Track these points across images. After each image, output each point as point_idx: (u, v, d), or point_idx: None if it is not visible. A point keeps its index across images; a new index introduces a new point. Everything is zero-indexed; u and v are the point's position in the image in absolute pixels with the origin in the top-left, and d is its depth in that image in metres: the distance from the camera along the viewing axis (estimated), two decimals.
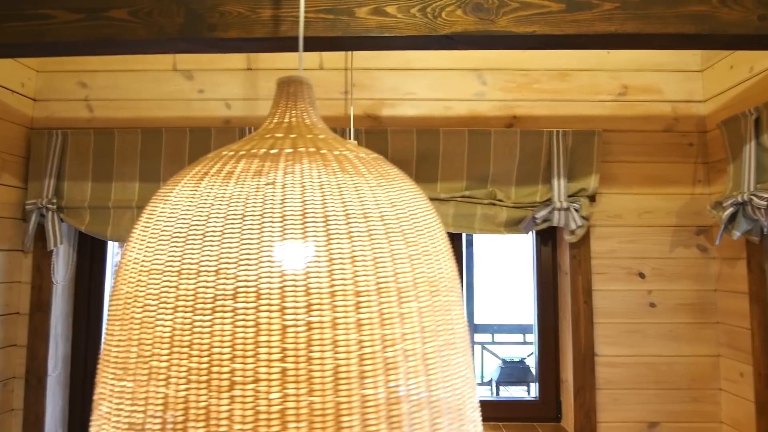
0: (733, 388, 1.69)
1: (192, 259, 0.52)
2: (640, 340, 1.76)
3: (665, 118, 1.83)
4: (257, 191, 0.54)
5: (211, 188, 0.56)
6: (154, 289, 0.52)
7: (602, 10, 1.12)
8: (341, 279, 0.51)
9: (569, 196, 1.71)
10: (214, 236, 0.52)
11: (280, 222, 0.52)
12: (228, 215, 0.53)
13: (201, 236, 0.53)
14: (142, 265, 0.55)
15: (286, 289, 0.50)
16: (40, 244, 1.86)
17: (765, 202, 1.41)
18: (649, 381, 1.75)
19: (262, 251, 0.51)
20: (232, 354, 0.48)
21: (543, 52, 1.86)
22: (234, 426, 0.46)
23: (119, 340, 0.54)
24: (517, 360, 3.96)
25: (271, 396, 0.47)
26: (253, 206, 0.54)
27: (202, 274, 0.51)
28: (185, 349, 0.49)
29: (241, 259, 0.51)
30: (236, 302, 0.49)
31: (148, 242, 0.56)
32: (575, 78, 1.85)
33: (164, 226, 0.55)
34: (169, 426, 0.46)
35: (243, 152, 0.60)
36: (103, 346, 0.57)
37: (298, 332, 0.49)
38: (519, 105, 1.85)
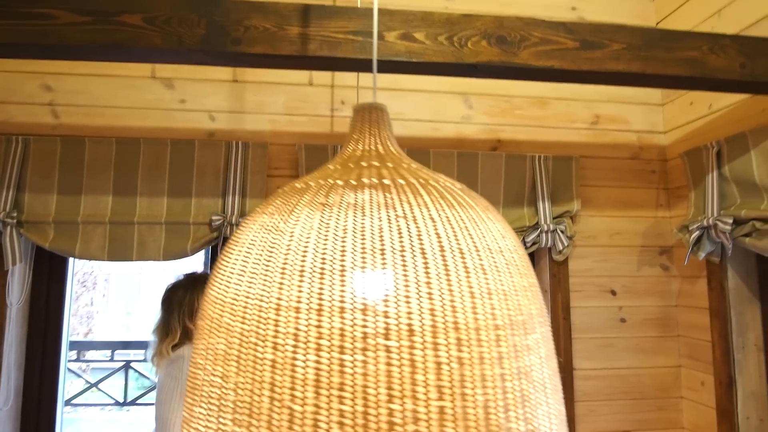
0: (694, 396, 1.84)
1: (333, 295, 0.50)
2: (612, 353, 1.88)
3: (631, 147, 1.99)
4: (390, 224, 0.54)
5: (338, 220, 0.55)
6: (289, 328, 0.50)
7: (612, 50, 1.21)
8: (483, 313, 0.52)
9: (554, 218, 1.80)
10: (354, 271, 0.51)
11: (422, 256, 0.52)
12: (366, 249, 0.52)
13: (339, 271, 0.51)
14: (262, 301, 0.53)
15: (437, 324, 0.50)
16: None
17: (729, 227, 1.57)
18: (620, 392, 1.87)
19: (408, 286, 0.51)
20: (388, 394, 0.47)
21: (522, 81, 1.96)
22: None
23: (239, 383, 0.51)
24: None
25: None
26: (391, 240, 0.53)
27: (347, 311, 0.50)
28: (335, 391, 0.47)
29: (388, 295, 0.50)
30: (388, 340, 0.49)
31: (266, 276, 0.54)
32: (553, 106, 1.97)
33: (289, 260, 0.53)
34: None
35: (353, 181, 0.60)
36: (206, 389, 0.54)
37: (451, 369, 0.49)
38: (503, 129, 1.94)
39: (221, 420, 0.51)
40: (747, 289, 1.69)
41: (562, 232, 1.78)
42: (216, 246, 1.74)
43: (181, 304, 1.46)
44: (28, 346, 1.78)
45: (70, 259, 1.86)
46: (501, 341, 0.51)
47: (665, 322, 1.92)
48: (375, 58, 0.64)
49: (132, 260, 1.70)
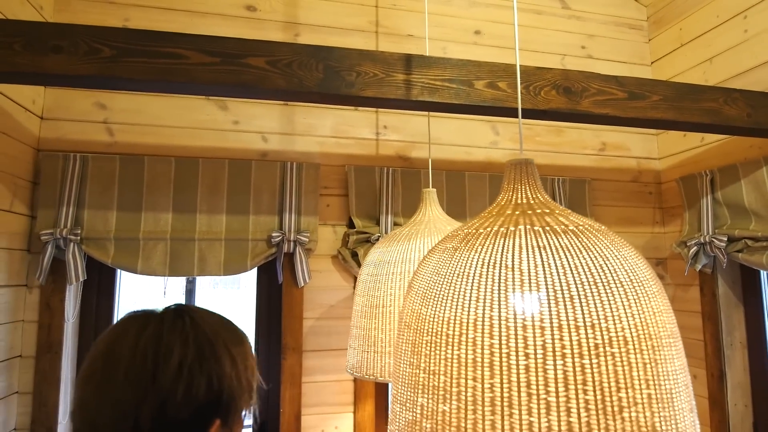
0: None
1: (568, 316, 0.68)
2: None
3: (632, 171, 2.27)
4: (593, 263, 0.72)
5: (555, 259, 0.72)
6: (537, 341, 0.67)
7: (652, 100, 1.45)
8: (661, 325, 0.72)
9: None
10: (581, 298, 0.69)
11: (620, 286, 0.71)
12: (584, 282, 0.70)
13: (569, 298, 0.69)
14: (509, 321, 0.69)
15: (640, 335, 0.69)
16: (50, 278, 1.69)
17: (723, 243, 1.86)
18: None
19: (619, 309, 0.70)
20: (617, 386, 0.65)
21: None
22: None
23: (494, 384, 0.67)
24: None
25: (646, 413, 0.65)
26: (600, 274, 0.71)
27: (581, 328, 0.68)
28: (580, 386, 0.65)
29: (607, 316, 0.68)
30: (612, 348, 0.67)
31: (505, 302, 0.71)
32: (567, 134, 2.21)
33: (525, 289, 0.71)
34: None
35: (538, 227, 0.78)
36: (466, 392, 0.70)
37: (652, 367, 0.68)
38: (525, 154, 2.16)
39: (478, 413, 0.67)
40: (733, 295, 2.00)
41: None
42: (274, 260, 1.84)
43: None
44: (79, 360, 1.80)
45: (118, 275, 1.90)
46: (672, 346, 0.71)
47: None
48: (519, 107, 0.81)
49: (193, 275, 1.77)
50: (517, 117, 1.40)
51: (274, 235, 1.79)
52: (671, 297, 2.23)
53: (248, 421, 1.25)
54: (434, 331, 0.74)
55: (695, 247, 1.95)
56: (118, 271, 1.89)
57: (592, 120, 1.43)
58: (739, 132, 1.57)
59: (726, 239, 1.86)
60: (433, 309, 0.76)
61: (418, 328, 0.76)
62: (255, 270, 1.95)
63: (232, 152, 1.88)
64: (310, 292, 1.88)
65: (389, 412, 0.82)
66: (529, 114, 1.37)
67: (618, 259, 0.74)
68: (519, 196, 0.88)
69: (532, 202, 0.86)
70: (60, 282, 1.71)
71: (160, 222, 1.76)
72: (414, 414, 0.75)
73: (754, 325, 1.97)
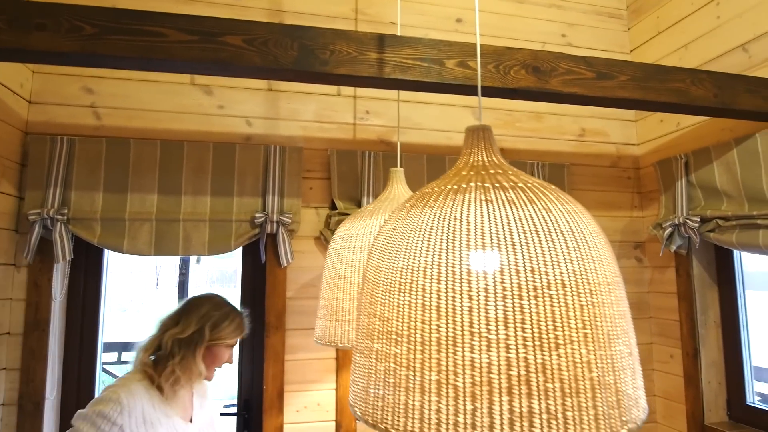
0: (664, 368, 2.19)
1: (509, 261, 0.73)
2: None
3: (611, 156, 2.32)
4: (537, 214, 0.77)
5: (500, 210, 0.77)
6: (480, 284, 0.72)
7: (619, 80, 1.50)
8: (602, 273, 0.76)
9: None
10: (522, 245, 0.74)
11: (562, 236, 0.76)
12: (527, 231, 0.75)
13: (512, 245, 0.74)
14: (455, 267, 0.74)
15: (578, 280, 0.73)
16: (37, 258, 1.74)
17: (696, 224, 1.91)
18: None
19: (558, 256, 0.74)
20: (554, 325, 0.70)
21: None
22: (562, 373, 0.68)
23: (440, 326, 0.72)
24: None
25: (582, 351, 0.70)
26: (542, 224, 0.76)
27: (520, 272, 0.72)
28: (519, 324, 0.69)
29: (546, 261, 0.73)
30: (549, 290, 0.71)
31: (455, 250, 0.75)
32: (547, 120, 2.26)
33: (471, 239, 0.75)
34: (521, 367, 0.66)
35: (488, 184, 0.82)
36: (408, 332, 0.74)
37: (589, 309, 0.73)
38: (505, 139, 2.21)
39: (425, 353, 0.72)
40: (708, 276, 2.05)
41: None
42: (257, 241, 1.88)
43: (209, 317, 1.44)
44: (66, 338, 1.84)
45: (105, 257, 1.94)
46: (611, 292, 0.76)
47: (639, 305, 2.26)
48: (479, 84, 0.86)
49: (178, 255, 1.81)
50: (489, 96, 1.44)
51: (257, 216, 1.84)
52: (649, 279, 2.28)
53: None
54: (388, 280, 0.79)
55: (670, 229, 2.00)
56: (106, 253, 1.93)
57: (561, 99, 1.47)
58: (705, 112, 1.62)
59: (699, 220, 1.91)
60: (388, 261, 0.80)
61: (376, 279, 0.81)
62: (241, 257, 1.99)
63: (216, 136, 1.93)
64: (294, 272, 1.92)
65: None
66: (498, 93, 1.42)
67: (561, 212, 0.79)
68: (475, 159, 0.92)
69: (486, 163, 0.90)
70: (47, 261, 1.75)
71: (146, 203, 1.81)
72: (370, 359, 0.79)
73: (728, 304, 2.02)
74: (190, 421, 1.45)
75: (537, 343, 0.68)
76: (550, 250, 0.73)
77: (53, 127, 1.81)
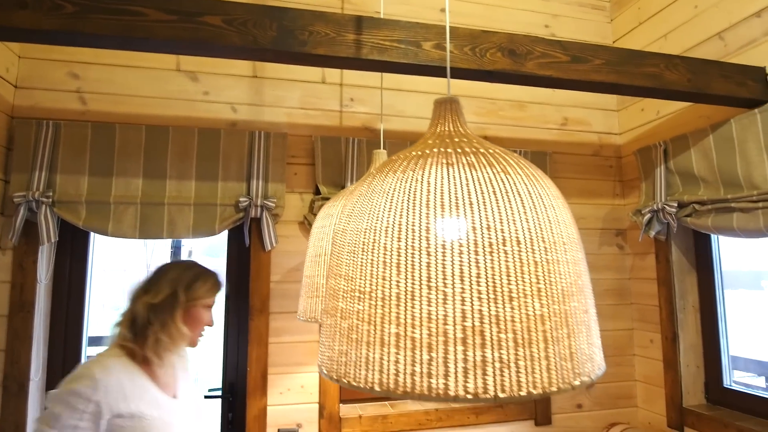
0: (644, 353, 2.22)
1: (466, 220, 0.75)
2: None
3: (593, 145, 2.35)
4: (495, 177, 0.80)
5: (460, 172, 0.80)
6: (438, 241, 0.75)
7: (594, 64, 1.53)
8: (557, 233, 0.79)
9: None
10: (479, 204, 0.77)
11: (519, 197, 0.79)
12: (484, 191, 0.78)
13: (469, 204, 0.77)
14: (414, 226, 0.76)
15: (533, 238, 0.76)
16: (22, 240, 1.75)
17: (674, 209, 1.95)
18: None
19: (514, 214, 0.77)
20: (508, 279, 0.73)
21: (505, 86, 2.27)
22: (515, 325, 0.71)
23: (399, 282, 0.75)
24: None
25: (535, 304, 0.73)
26: (499, 185, 0.79)
27: (477, 229, 0.75)
28: (474, 278, 0.72)
29: (503, 219, 0.76)
30: (505, 246, 0.74)
31: (415, 210, 0.78)
32: (530, 109, 2.29)
33: (431, 198, 0.78)
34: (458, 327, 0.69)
35: (450, 150, 0.85)
36: (377, 290, 0.77)
37: (543, 265, 0.75)
38: (488, 127, 2.24)
39: (386, 308, 0.74)
40: (686, 261, 2.09)
41: None
42: (240, 225, 1.90)
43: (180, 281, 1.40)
44: (51, 320, 1.86)
45: (91, 240, 1.96)
46: (567, 252, 0.79)
47: (621, 292, 2.29)
48: (448, 65, 0.89)
49: (163, 238, 1.83)
50: (465, 78, 1.47)
51: (241, 200, 1.86)
52: (630, 266, 2.31)
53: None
54: (353, 242, 0.82)
55: (649, 215, 2.03)
56: (91, 236, 1.95)
57: (537, 82, 1.50)
58: (679, 96, 1.65)
59: (676, 205, 1.94)
60: (354, 223, 0.83)
61: (342, 242, 0.84)
62: (226, 235, 2.02)
63: (202, 122, 1.95)
64: (278, 256, 1.95)
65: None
66: (475, 75, 1.45)
67: (520, 175, 0.82)
68: (442, 129, 0.95)
69: (452, 133, 0.93)
70: (33, 244, 1.77)
71: (131, 187, 1.83)
72: (335, 318, 0.82)
73: (706, 289, 2.06)
74: (174, 397, 1.41)
75: (492, 296, 0.71)
76: (506, 210, 0.76)
77: (39, 112, 1.83)
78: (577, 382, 0.75)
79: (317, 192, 1.99)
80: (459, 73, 1.44)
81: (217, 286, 1.45)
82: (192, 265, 1.44)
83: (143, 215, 1.82)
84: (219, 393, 1.97)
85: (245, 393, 1.88)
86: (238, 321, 1.95)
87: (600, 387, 2.22)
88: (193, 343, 1.43)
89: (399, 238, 0.76)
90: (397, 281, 0.75)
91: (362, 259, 0.80)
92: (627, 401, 2.24)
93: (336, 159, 2.00)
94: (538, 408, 2.11)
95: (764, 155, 1.65)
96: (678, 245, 2.09)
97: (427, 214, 0.76)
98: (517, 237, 0.74)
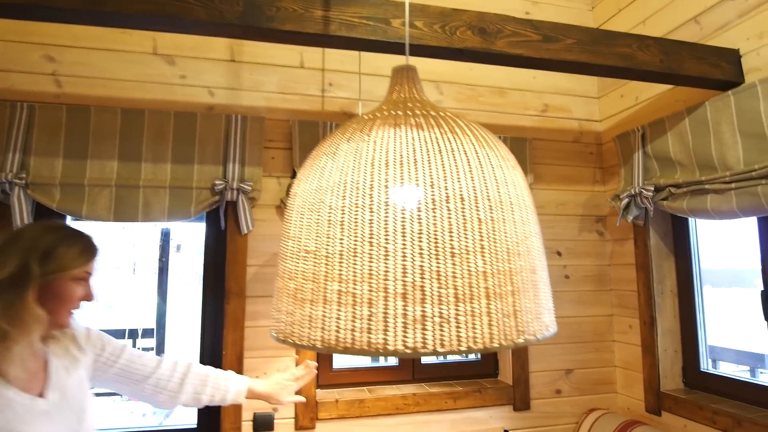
0: (623, 338, 2.22)
1: (410, 177, 0.75)
2: (558, 304, 2.23)
3: (574, 132, 2.35)
4: (442, 136, 0.80)
5: (406, 132, 0.80)
6: (381, 198, 0.74)
7: (566, 43, 1.53)
8: (504, 192, 0.79)
9: None
10: (423, 162, 0.77)
11: (465, 155, 0.79)
12: (430, 150, 0.78)
13: (413, 162, 0.76)
14: (359, 183, 0.76)
15: (478, 196, 0.76)
16: None
17: (651, 193, 1.95)
18: (565, 337, 2.22)
19: (459, 172, 0.77)
20: (450, 235, 0.72)
21: (485, 72, 2.27)
22: (457, 281, 0.71)
23: (343, 240, 0.74)
24: None
25: (478, 261, 0.73)
26: (446, 144, 0.79)
27: (420, 186, 0.75)
28: (416, 235, 0.72)
29: (446, 177, 0.76)
30: (448, 203, 0.74)
31: (358, 168, 0.78)
32: (510, 95, 2.29)
33: (376, 157, 0.78)
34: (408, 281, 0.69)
35: (401, 112, 0.85)
36: (321, 248, 0.77)
37: (487, 223, 0.75)
38: (468, 113, 2.24)
39: (329, 265, 0.74)
40: (664, 246, 2.09)
41: None
42: (217, 209, 1.90)
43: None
44: None
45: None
46: (514, 212, 0.79)
47: (601, 278, 2.29)
48: (407, 30, 0.89)
49: (138, 221, 1.83)
50: (435, 57, 1.47)
51: (217, 182, 1.85)
52: (610, 252, 2.31)
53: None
54: (302, 203, 0.81)
55: (626, 199, 2.03)
56: (67, 220, 1.94)
57: (507, 61, 1.50)
58: (652, 77, 1.65)
59: (653, 189, 1.94)
60: (303, 185, 0.83)
61: (292, 204, 0.83)
62: (205, 227, 2.01)
63: (178, 105, 1.94)
64: (255, 240, 1.94)
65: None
66: (444, 53, 1.45)
67: (469, 136, 0.81)
68: (398, 96, 0.95)
69: (407, 98, 0.93)
70: (6, 226, 1.76)
71: (106, 169, 1.82)
72: (284, 280, 0.81)
73: (684, 273, 2.06)
74: (41, 396, 1.08)
75: (433, 252, 0.70)
76: (451, 168, 0.76)
77: (14, 94, 1.82)
78: (520, 340, 0.75)
79: (294, 176, 1.98)
80: (428, 51, 1.44)
81: (88, 251, 1.15)
82: (54, 228, 1.15)
83: (118, 198, 1.81)
84: None
85: None
86: (215, 305, 1.95)
87: (580, 373, 2.22)
88: (60, 325, 1.13)
89: (344, 196, 0.76)
90: (341, 239, 0.74)
91: (309, 219, 0.80)
92: (606, 387, 2.24)
93: (314, 143, 2.00)
94: (517, 393, 2.11)
95: (737, 137, 1.66)
96: (656, 230, 2.09)
97: (372, 172, 0.76)
98: (461, 194, 0.74)
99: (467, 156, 0.79)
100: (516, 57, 1.49)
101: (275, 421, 1.87)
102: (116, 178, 1.82)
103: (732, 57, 1.71)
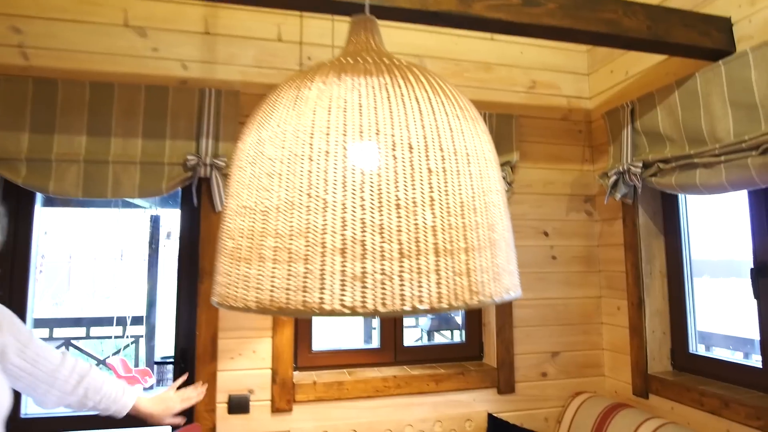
0: (611, 320, 2.17)
1: (354, 123, 0.69)
2: (545, 286, 2.17)
3: (562, 110, 2.29)
4: (391, 82, 0.74)
5: (353, 78, 0.74)
6: (321, 146, 0.68)
7: (548, 8, 1.46)
8: (458, 142, 0.73)
9: None
10: (370, 108, 0.70)
11: (417, 102, 0.73)
12: (377, 96, 0.72)
13: (359, 107, 0.70)
14: (306, 129, 0.70)
15: (428, 144, 0.70)
16: None
17: (639, 169, 1.88)
18: (552, 319, 2.16)
19: (408, 119, 0.71)
20: (396, 186, 0.66)
21: (470, 46, 2.20)
22: (401, 235, 0.65)
23: (281, 195, 0.69)
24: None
25: (426, 215, 0.67)
26: (395, 90, 0.73)
27: (364, 134, 0.69)
28: (358, 186, 0.66)
29: (394, 125, 0.70)
30: (395, 151, 0.68)
31: (302, 115, 0.71)
32: (496, 71, 2.22)
33: (315, 103, 0.72)
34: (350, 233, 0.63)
35: (351, 60, 0.79)
36: (258, 203, 0.71)
37: (440, 175, 0.69)
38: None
39: (266, 221, 0.68)
40: (654, 225, 2.03)
41: (503, 178, 2.04)
42: (190, 186, 1.84)
43: None
44: None
45: (37, 202, 1.89)
46: (471, 164, 0.73)
47: (589, 259, 2.24)
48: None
49: (107, 197, 1.77)
50: (408, 21, 1.40)
51: (189, 158, 1.79)
52: (599, 233, 2.25)
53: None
54: (242, 157, 0.75)
55: (614, 177, 1.97)
56: (37, 199, 1.89)
57: (485, 26, 1.43)
58: (638, 45, 1.58)
59: (641, 165, 1.88)
60: (245, 139, 0.77)
61: (235, 160, 0.77)
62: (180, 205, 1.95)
63: (150, 79, 1.88)
64: None
65: None
66: (418, 17, 1.38)
67: (422, 83, 0.75)
68: (354, 48, 0.88)
69: (362, 49, 0.87)
70: None
71: (74, 144, 1.76)
72: (223, 241, 0.75)
73: (674, 254, 2.00)
74: None
75: (376, 204, 0.64)
76: (399, 114, 0.69)
77: None
78: (474, 301, 0.69)
79: None
80: (401, 14, 1.37)
81: None
82: None
83: (87, 173, 1.75)
84: (171, 360, 1.92)
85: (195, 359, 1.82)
86: (189, 285, 1.89)
87: (566, 356, 2.16)
88: None
89: (282, 146, 0.70)
90: (278, 192, 0.69)
91: (247, 172, 0.74)
92: (594, 370, 2.19)
93: None
94: (501, 376, 2.06)
95: (728, 108, 1.59)
96: (645, 209, 2.03)
97: (312, 119, 0.70)
98: (409, 143, 0.68)
99: (419, 103, 0.73)
100: (495, 21, 1.42)
101: (251, 403, 1.82)
102: (85, 153, 1.76)
103: (723, 25, 1.64)
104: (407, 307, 0.64)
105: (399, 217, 0.66)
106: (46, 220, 6.20)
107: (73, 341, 4.53)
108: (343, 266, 0.64)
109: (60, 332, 4.69)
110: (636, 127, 1.96)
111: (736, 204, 1.81)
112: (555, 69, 2.30)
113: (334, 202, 0.66)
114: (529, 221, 2.18)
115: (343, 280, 0.64)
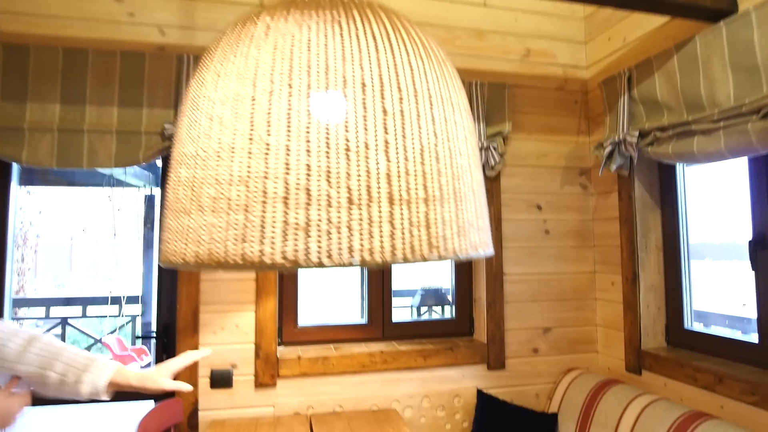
0: (605, 296, 2.11)
1: (300, 60, 0.63)
2: (537, 260, 2.11)
3: (558, 79, 2.20)
4: (345, 17, 0.67)
5: (302, 14, 0.67)
6: (264, 87, 0.62)
7: None
8: (419, 80, 0.67)
9: (488, 137, 1.99)
10: (317, 44, 0.64)
11: (382, 39, 0.66)
12: (327, 32, 0.65)
13: (306, 42, 0.64)
14: (240, 73, 0.64)
15: (384, 83, 0.63)
16: None
17: (635, 139, 1.81)
18: (544, 294, 2.11)
19: (362, 53, 0.64)
20: (345, 127, 0.60)
21: (462, 12, 2.11)
22: (351, 181, 0.59)
23: (222, 136, 0.63)
24: (435, 288, 4.58)
25: (380, 159, 0.60)
26: (348, 26, 0.66)
27: (311, 71, 0.62)
28: (303, 127, 0.60)
29: (348, 60, 0.63)
30: (345, 89, 0.62)
31: (241, 54, 0.65)
32: (489, 38, 2.14)
33: (261, 42, 0.65)
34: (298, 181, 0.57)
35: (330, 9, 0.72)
36: (199, 150, 0.65)
37: (396, 117, 0.63)
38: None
39: (206, 168, 0.62)
40: (650, 198, 1.96)
41: (494, 149, 1.97)
42: (168, 155, 1.78)
43: None
44: None
45: (13, 174, 1.84)
46: (434, 107, 0.66)
47: (583, 233, 2.17)
48: None
49: (83, 167, 1.71)
50: None
51: (167, 126, 1.73)
52: (594, 206, 2.19)
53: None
54: (188, 103, 0.69)
55: (610, 147, 1.89)
56: (12, 170, 1.83)
57: None
58: (635, 4, 1.50)
59: (638, 134, 1.80)
60: (195, 78, 0.70)
61: (184, 102, 0.71)
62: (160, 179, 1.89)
63: (126, 45, 1.81)
64: None
65: None
66: None
67: (383, 21, 0.68)
68: None
69: None
70: None
71: (47, 112, 1.70)
72: (166, 194, 0.70)
73: (670, 227, 1.94)
74: None
75: (323, 147, 0.58)
76: (352, 51, 0.63)
77: None
78: (433, 255, 0.63)
79: None
80: None
81: None
82: None
83: (61, 143, 1.69)
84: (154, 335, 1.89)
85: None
86: None
87: (559, 332, 2.12)
88: None
89: (224, 87, 0.64)
90: (219, 136, 0.63)
91: (190, 118, 0.68)
92: (587, 346, 2.14)
93: None
94: (491, 352, 2.02)
95: (728, 71, 1.51)
96: (641, 181, 1.96)
97: (257, 58, 0.64)
98: (362, 81, 0.62)
99: (375, 41, 0.66)
100: None
101: (234, 378, 1.79)
102: (59, 122, 1.70)
103: None
104: (356, 259, 0.59)
105: (348, 161, 0.60)
106: (40, 199, 6.17)
107: (69, 320, 4.53)
108: (286, 215, 0.59)
109: (56, 311, 4.69)
110: (633, 95, 1.88)
111: (736, 178, 1.74)
112: (550, 37, 2.21)
113: (277, 145, 0.60)
114: (522, 194, 2.11)
115: (285, 231, 0.58)
